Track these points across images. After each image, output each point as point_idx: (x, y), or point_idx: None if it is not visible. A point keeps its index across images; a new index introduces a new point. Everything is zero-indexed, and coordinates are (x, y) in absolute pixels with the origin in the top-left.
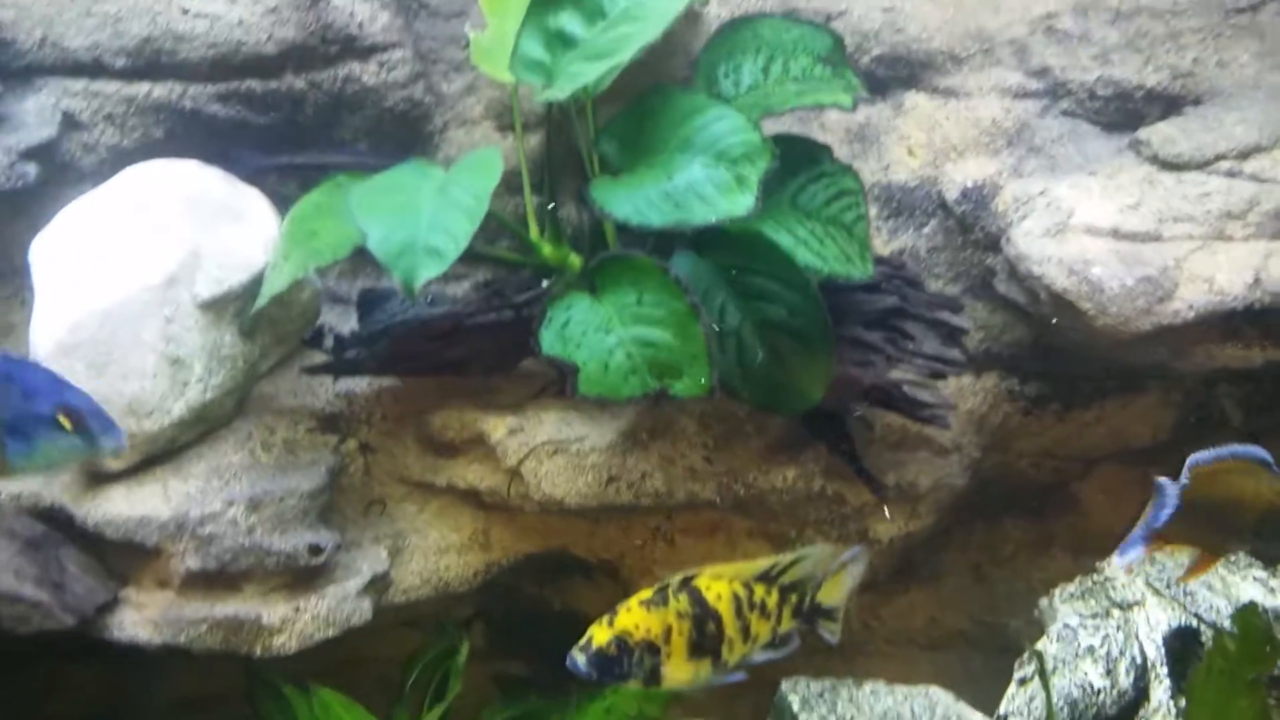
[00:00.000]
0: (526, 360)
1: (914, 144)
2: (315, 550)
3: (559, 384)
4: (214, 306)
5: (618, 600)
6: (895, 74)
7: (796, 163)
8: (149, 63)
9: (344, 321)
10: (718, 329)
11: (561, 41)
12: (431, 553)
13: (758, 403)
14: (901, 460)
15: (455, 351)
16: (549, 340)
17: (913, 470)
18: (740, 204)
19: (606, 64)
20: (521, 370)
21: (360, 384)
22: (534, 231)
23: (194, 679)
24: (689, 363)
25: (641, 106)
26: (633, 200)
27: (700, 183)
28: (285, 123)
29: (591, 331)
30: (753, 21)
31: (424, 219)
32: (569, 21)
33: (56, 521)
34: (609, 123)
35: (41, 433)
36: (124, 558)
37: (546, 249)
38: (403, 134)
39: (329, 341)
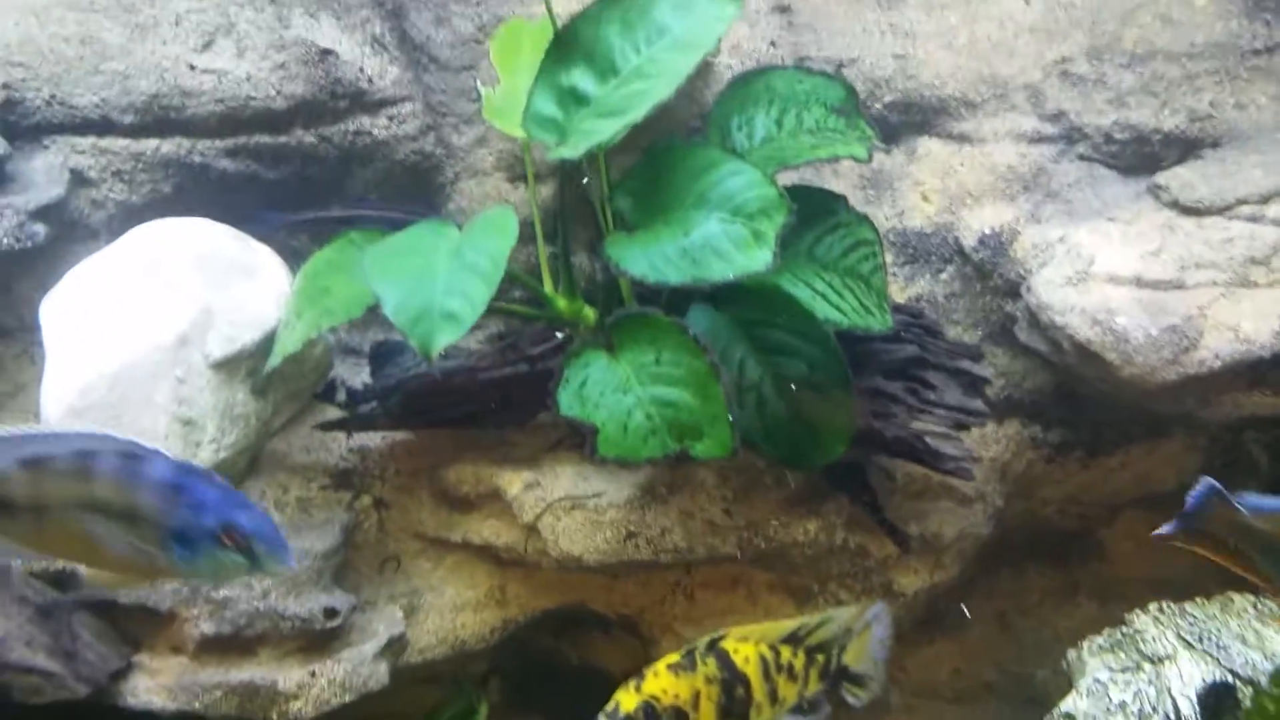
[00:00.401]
0: (541, 413)
1: (928, 190)
2: (331, 614)
3: (574, 437)
4: (226, 365)
5: (636, 655)
6: (908, 120)
7: (812, 214)
8: (157, 119)
9: (356, 374)
10: (738, 384)
11: (574, 99)
12: (447, 610)
13: (780, 458)
14: (924, 510)
15: (470, 405)
16: (567, 401)
17: (936, 520)
18: (758, 259)
19: (620, 122)
20: (536, 423)
21: (374, 438)
22: (548, 284)
23: None
24: (710, 423)
25: (655, 161)
26: (649, 257)
27: (717, 239)
28: (295, 177)
29: (609, 391)
30: (765, 73)
31: (439, 283)
32: (581, 79)
33: (68, 586)
34: (623, 178)
35: (205, 547)
36: (137, 623)
37: (561, 302)
38: (414, 186)
39: (341, 395)
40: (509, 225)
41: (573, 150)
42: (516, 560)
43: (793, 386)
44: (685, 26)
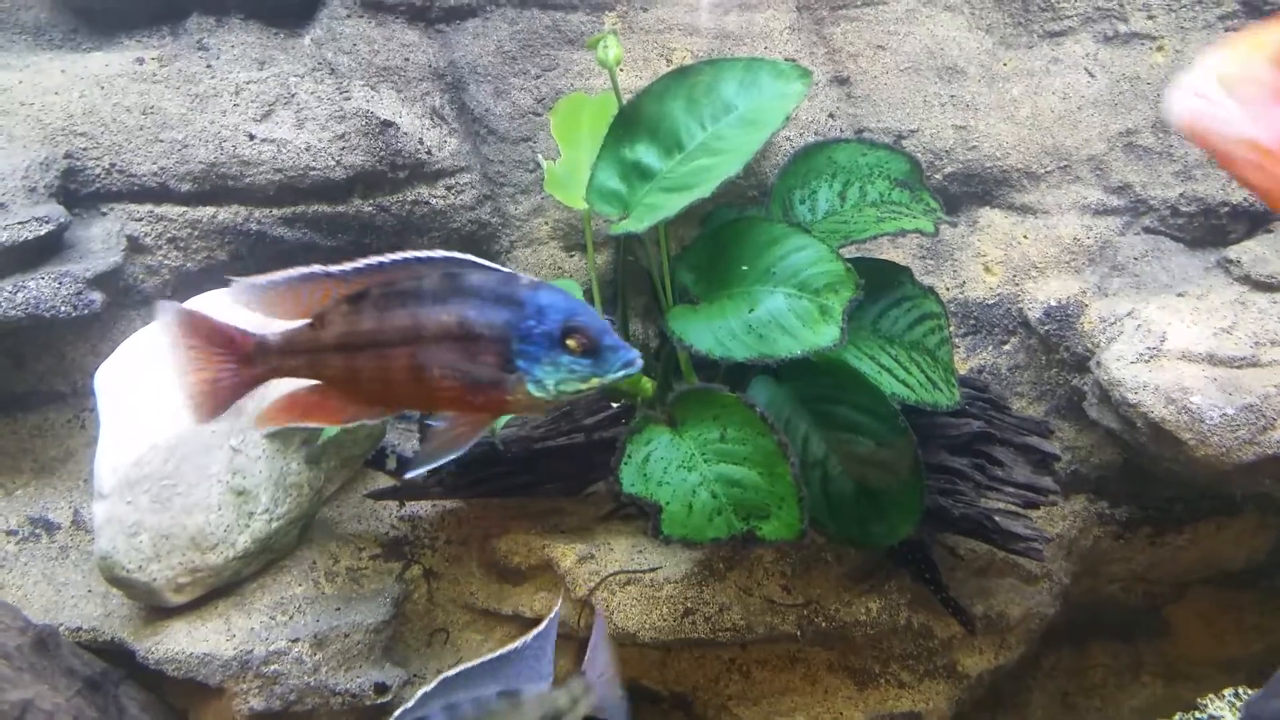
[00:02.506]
0: (595, 483)
1: (991, 261)
2: (381, 689)
3: (628, 507)
4: (281, 435)
5: None
6: (969, 191)
7: (877, 286)
8: (215, 187)
9: (406, 440)
10: (801, 461)
11: (638, 173)
12: None
13: (845, 537)
14: (988, 588)
15: (524, 475)
16: (629, 477)
17: (1001, 599)
18: (826, 336)
19: (686, 197)
20: (589, 493)
21: (424, 507)
22: None
23: None
24: (777, 504)
25: (718, 235)
26: (714, 332)
27: (783, 314)
28: (352, 245)
29: (674, 469)
30: (827, 147)
31: None
32: (645, 153)
33: (117, 657)
34: (685, 250)
35: (549, 355)
36: (185, 695)
37: None
38: (471, 253)
39: (392, 463)
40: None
41: (637, 224)
42: (569, 635)
43: (860, 465)
44: (752, 104)
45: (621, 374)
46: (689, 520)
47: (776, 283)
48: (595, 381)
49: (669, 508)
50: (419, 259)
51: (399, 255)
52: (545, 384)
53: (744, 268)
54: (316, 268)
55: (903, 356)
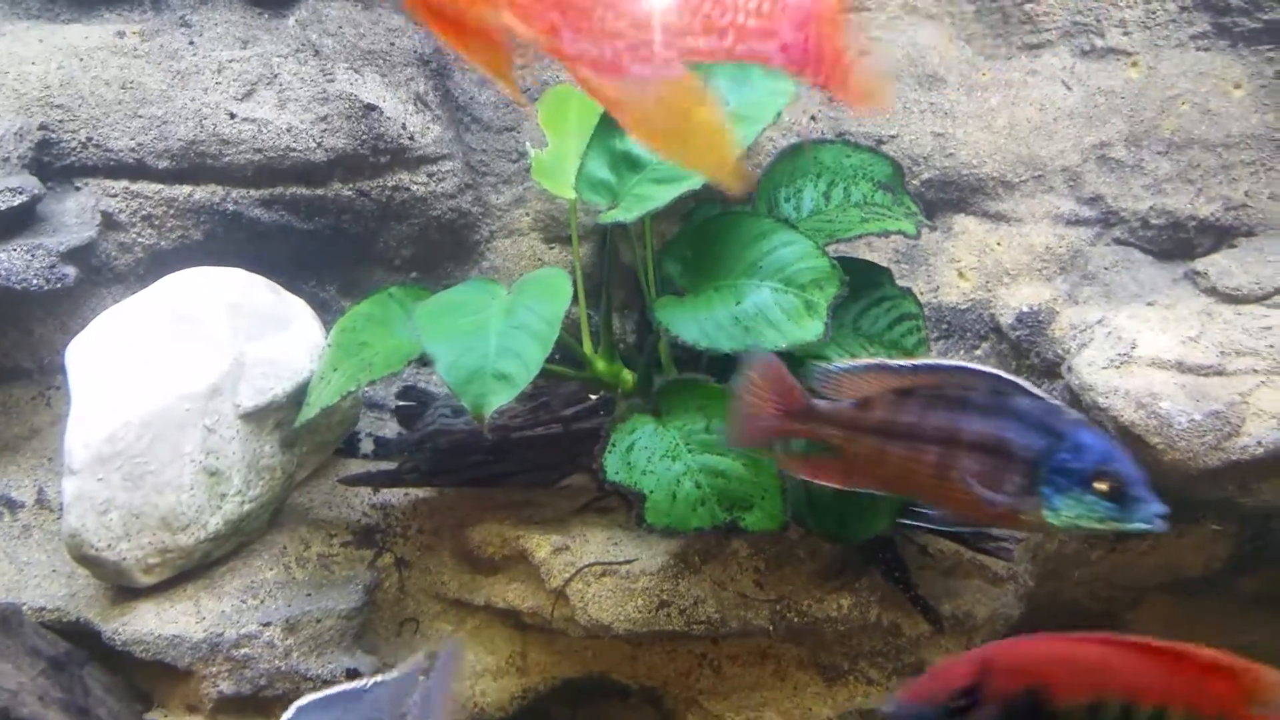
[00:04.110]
0: (570, 475)
1: (964, 267)
2: (352, 675)
3: (603, 500)
4: (256, 416)
5: None
6: (945, 197)
7: (858, 286)
8: (193, 165)
9: (379, 427)
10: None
11: (627, 163)
12: (467, 676)
13: (825, 532)
14: (955, 589)
15: (500, 465)
16: (613, 466)
17: (968, 599)
18: (811, 330)
19: (676, 189)
20: (564, 485)
21: (397, 495)
22: (587, 345)
23: None
24: (761, 495)
25: (705, 228)
26: (700, 323)
27: (770, 308)
28: (329, 229)
29: (658, 459)
30: (814, 146)
31: (492, 344)
32: (635, 144)
33: (81, 638)
34: (671, 243)
35: (1074, 491)
36: (152, 679)
37: (600, 364)
38: (448, 243)
39: (368, 447)
40: (563, 287)
41: (627, 214)
42: (540, 626)
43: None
44: (743, 100)
45: (1142, 527)
46: (673, 510)
47: (763, 277)
48: (1112, 525)
49: (653, 497)
50: (970, 370)
51: (954, 363)
52: (1062, 514)
53: (730, 261)
54: (883, 361)
55: (881, 354)
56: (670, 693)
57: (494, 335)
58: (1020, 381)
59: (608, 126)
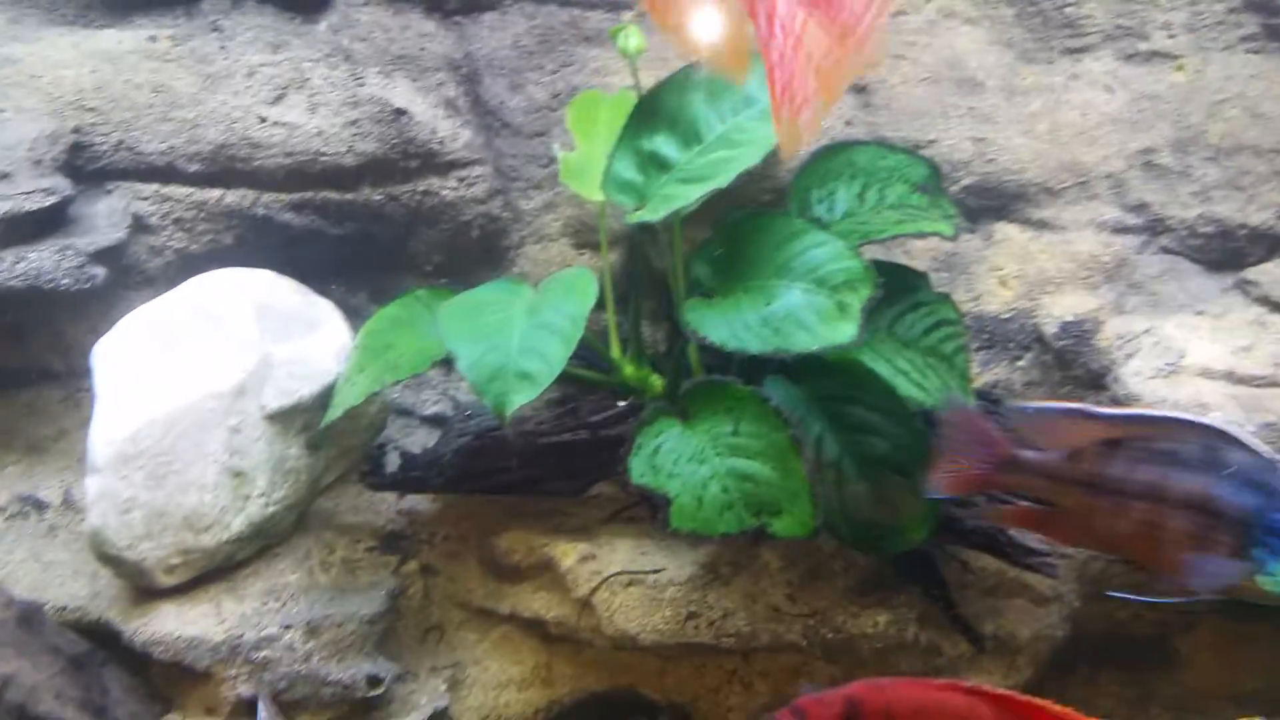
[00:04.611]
0: (598, 484)
1: (1006, 275)
2: (374, 681)
3: (631, 509)
4: (282, 418)
5: None
6: (986, 204)
7: (894, 291)
8: (223, 169)
9: (406, 434)
10: (816, 462)
11: (655, 164)
12: (491, 687)
13: (856, 541)
14: (998, 608)
15: (526, 471)
16: (639, 468)
17: (1011, 619)
18: (843, 332)
19: (703, 188)
20: (592, 494)
21: (423, 502)
22: (615, 350)
23: None
24: (790, 500)
25: (736, 229)
26: (729, 325)
27: (801, 309)
28: (359, 234)
29: (684, 461)
30: (847, 148)
31: (515, 342)
32: (664, 145)
33: (102, 638)
34: (702, 245)
35: None
36: (171, 680)
37: (628, 369)
38: (478, 249)
39: (392, 463)
40: (588, 286)
41: (653, 214)
42: (566, 636)
43: (875, 467)
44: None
45: None
46: (699, 513)
47: (794, 278)
48: None
49: (679, 500)
50: (1183, 420)
51: (1165, 413)
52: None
53: (761, 262)
54: (1087, 407)
55: (918, 361)
56: (700, 709)
57: (517, 334)
58: (1238, 434)
59: (636, 127)
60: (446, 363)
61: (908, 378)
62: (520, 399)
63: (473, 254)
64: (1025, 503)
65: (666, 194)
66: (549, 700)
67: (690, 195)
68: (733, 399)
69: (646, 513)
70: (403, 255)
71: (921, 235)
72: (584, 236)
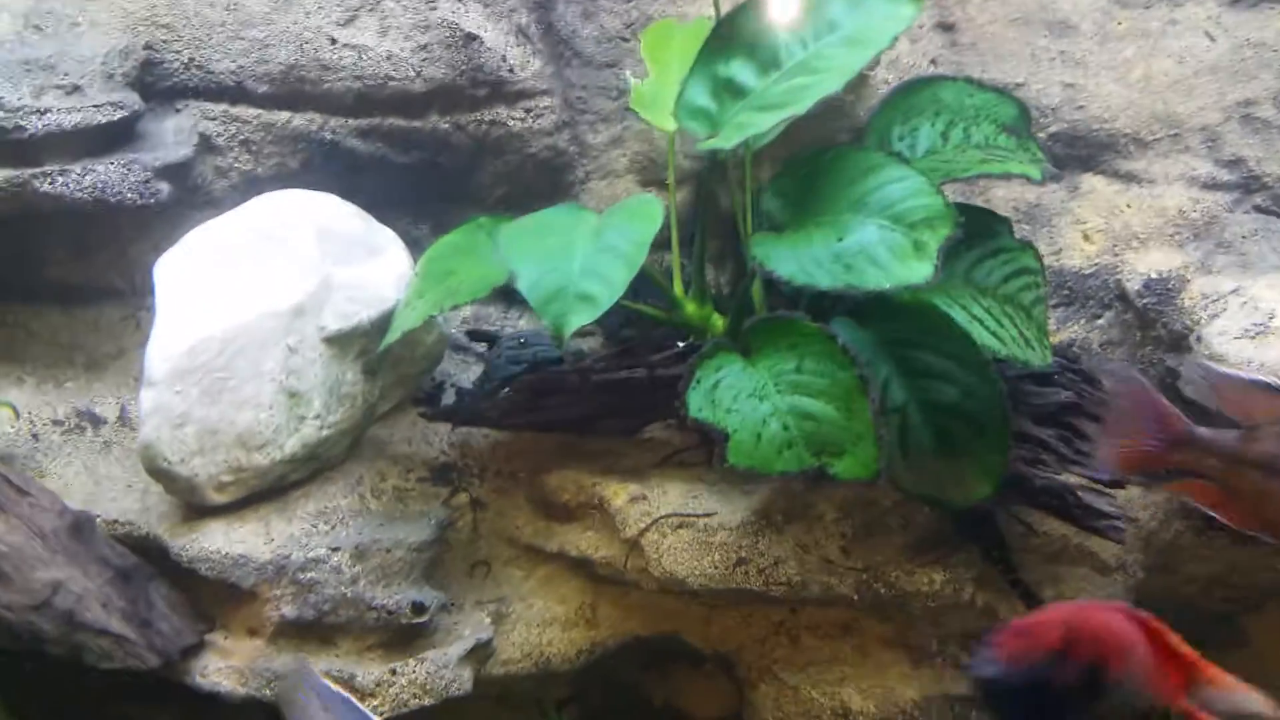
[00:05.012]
0: (652, 425)
1: (1090, 229)
2: (419, 609)
3: (685, 453)
4: (339, 341)
5: (726, 700)
6: (1073, 153)
7: (973, 235)
8: (292, 91)
9: (462, 369)
10: (881, 407)
11: (730, 91)
12: (535, 624)
13: (919, 493)
14: (1059, 575)
15: (579, 408)
16: (697, 402)
17: (1072, 587)
18: (917, 272)
19: (778, 115)
20: (645, 436)
21: (475, 436)
22: (678, 287)
23: None
24: (853, 441)
25: (811, 163)
26: (798, 259)
27: (874, 246)
28: (425, 164)
29: (744, 397)
30: (932, 84)
31: (577, 263)
32: (740, 71)
33: (150, 553)
34: (775, 177)
35: None
36: (216, 599)
37: (690, 307)
38: (542, 182)
39: (448, 398)
40: (654, 211)
41: (725, 141)
42: (613, 578)
43: (943, 415)
44: (858, 23)
45: None
46: (757, 450)
47: (869, 213)
48: None
49: (736, 436)
50: None
51: None
52: None
53: (835, 196)
54: (1271, 380)
55: (995, 309)
56: (744, 659)
57: (579, 255)
58: None
59: (712, 52)
60: (505, 297)
61: (983, 325)
62: (579, 320)
63: (537, 188)
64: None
65: (741, 121)
66: (592, 642)
67: (766, 123)
68: (797, 336)
69: (699, 457)
70: (467, 187)
71: (1007, 176)
72: (650, 173)
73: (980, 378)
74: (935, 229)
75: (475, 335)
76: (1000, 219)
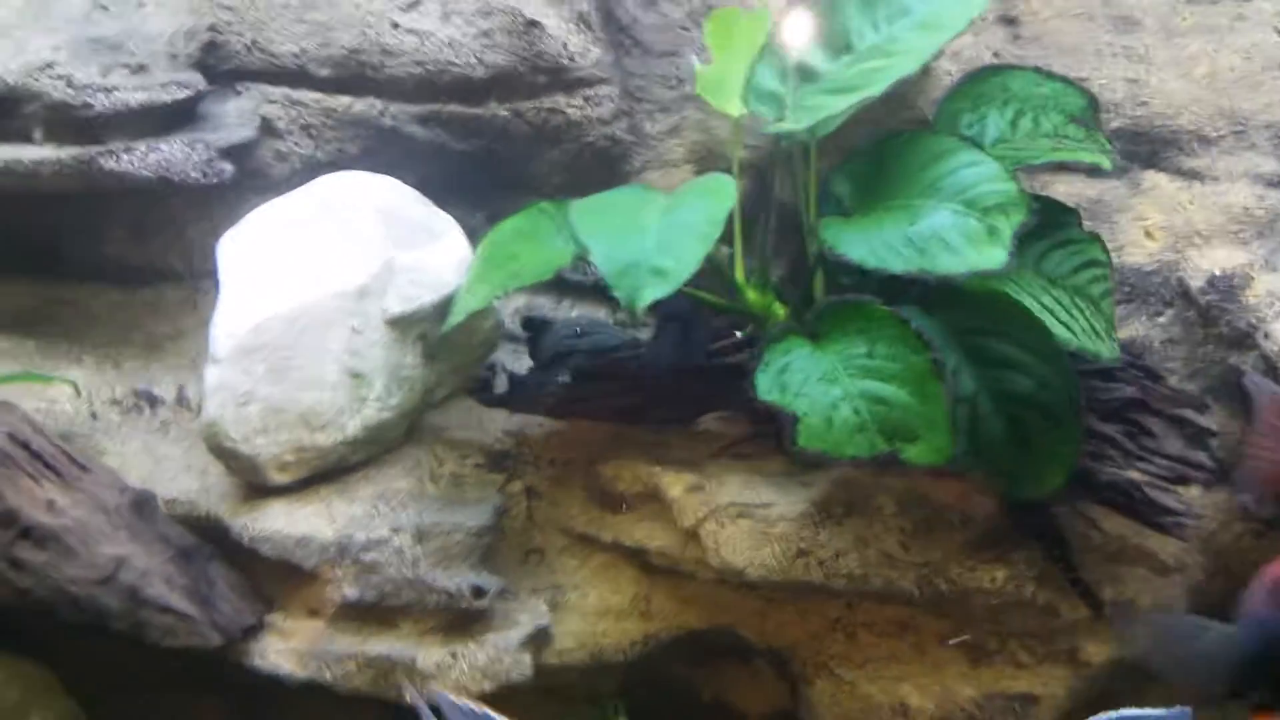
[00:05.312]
0: (704, 417)
1: (1152, 226)
2: (479, 593)
3: (740, 444)
4: (400, 324)
5: (776, 698)
6: (1135, 149)
7: (1041, 225)
8: (354, 75)
9: (516, 359)
10: (951, 396)
11: (800, 75)
12: (589, 614)
13: (988, 482)
14: (1118, 574)
15: (633, 397)
16: (765, 385)
17: (1131, 587)
18: (992, 258)
19: (852, 98)
20: (699, 428)
21: (531, 424)
22: (739, 273)
23: None
24: (927, 426)
25: (880, 147)
26: (869, 243)
27: (947, 231)
28: (483, 151)
29: (813, 381)
30: (1001, 73)
31: (650, 239)
32: (810, 55)
33: (207, 533)
34: (844, 162)
35: None
36: (275, 579)
37: (751, 294)
38: (599, 172)
39: (501, 384)
40: (728, 190)
41: (796, 123)
42: (669, 568)
43: (1015, 405)
44: (930, 8)
45: None
46: (828, 434)
47: (942, 198)
48: None
49: (807, 419)
50: None
51: None
52: None
53: (906, 180)
54: None
55: (1065, 300)
56: (799, 655)
57: (653, 231)
58: None
59: (780, 39)
60: (556, 288)
61: (1054, 316)
62: (653, 294)
63: (593, 177)
64: None
65: (812, 104)
66: (645, 634)
67: (838, 105)
68: (867, 320)
69: (755, 449)
70: (522, 176)
71: (1079, 163)
72: (707, 163)
73: (1055, 368)
74: (1009, 215)
75: (529, 323)
76: (1069, 209)
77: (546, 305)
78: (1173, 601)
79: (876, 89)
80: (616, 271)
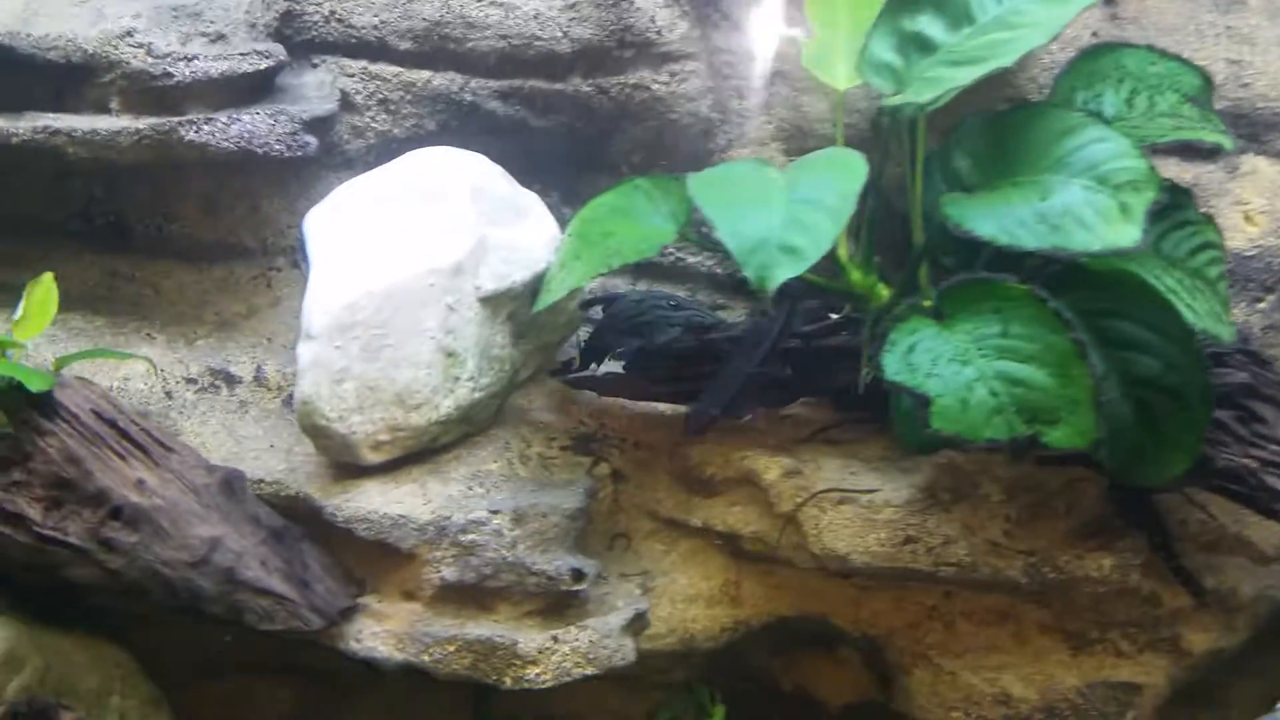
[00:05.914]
0: (797, 401)
1: (1253, 210)
2: (578, 575)
3: (830, 429)
4: (492, 302)
5: (860, 689)
6: (1236, 132)
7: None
8: (434, 49)
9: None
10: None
11: (918, 46)
12: (678, 600)
13: (1114, 465)
14: (1217, 564)
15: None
16: (893, 366)
17: (1231, 575)
18: (1125, 235)
19: (978, 70)
20: (787, 414)
21: (615, 407)
22: (843, 251)
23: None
24: (1070, 408)
25: (999, 122)
26: (998, 219)
27: (1079, 207)
28: (562, 128)
29: (944, 362)
30: (1115, 50)
31: (778, 216)
32: (928, 25)
33: (296, 513)
34: (960, 138)
35: None
36: (368, 561)
37: (855, 274)
38: (682, 150)
39: (602, 365)
40: (857, 165)
41: (917, 95)
42: (761, 555)
43: (1144, 388)
44: None
45: None
46: (964, 416)
47: (1072, 174)
48: None
49: (940, 401)
50: None
51: None
52: None
53: (1031, 156)
54: None
55: (1186, 281)
56: (895, 644)
57: (779, 207)
58: None
59: (897, 5)
60: (632, 269)
61: (1178, 297)
62: (784, 273)
63: (675, 155)
64: None
65: (932, 76)
66: (735, 620)
67: (962, 78)
68: (1001, 298)
69: (848, 435)
70: (601, 153)
71: (1201, 143)
72: (795, 141)
73: (1183, 350)
74: (1140, 192)
75: (606, 302)
76: (1184, 190)
77: (623, 286)
78: (1274, 590)
79: (1007, 59)
80: (746, 249)
